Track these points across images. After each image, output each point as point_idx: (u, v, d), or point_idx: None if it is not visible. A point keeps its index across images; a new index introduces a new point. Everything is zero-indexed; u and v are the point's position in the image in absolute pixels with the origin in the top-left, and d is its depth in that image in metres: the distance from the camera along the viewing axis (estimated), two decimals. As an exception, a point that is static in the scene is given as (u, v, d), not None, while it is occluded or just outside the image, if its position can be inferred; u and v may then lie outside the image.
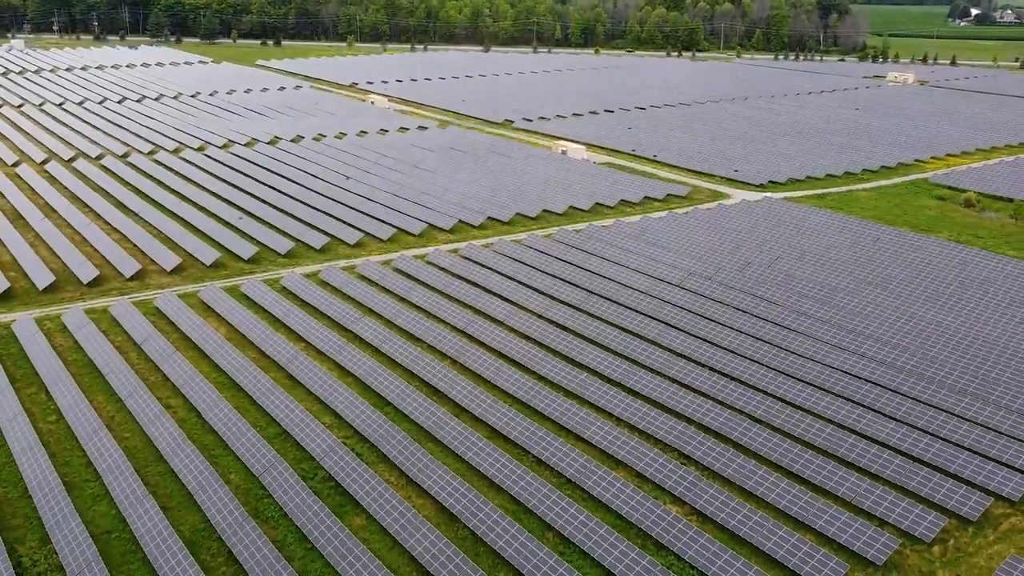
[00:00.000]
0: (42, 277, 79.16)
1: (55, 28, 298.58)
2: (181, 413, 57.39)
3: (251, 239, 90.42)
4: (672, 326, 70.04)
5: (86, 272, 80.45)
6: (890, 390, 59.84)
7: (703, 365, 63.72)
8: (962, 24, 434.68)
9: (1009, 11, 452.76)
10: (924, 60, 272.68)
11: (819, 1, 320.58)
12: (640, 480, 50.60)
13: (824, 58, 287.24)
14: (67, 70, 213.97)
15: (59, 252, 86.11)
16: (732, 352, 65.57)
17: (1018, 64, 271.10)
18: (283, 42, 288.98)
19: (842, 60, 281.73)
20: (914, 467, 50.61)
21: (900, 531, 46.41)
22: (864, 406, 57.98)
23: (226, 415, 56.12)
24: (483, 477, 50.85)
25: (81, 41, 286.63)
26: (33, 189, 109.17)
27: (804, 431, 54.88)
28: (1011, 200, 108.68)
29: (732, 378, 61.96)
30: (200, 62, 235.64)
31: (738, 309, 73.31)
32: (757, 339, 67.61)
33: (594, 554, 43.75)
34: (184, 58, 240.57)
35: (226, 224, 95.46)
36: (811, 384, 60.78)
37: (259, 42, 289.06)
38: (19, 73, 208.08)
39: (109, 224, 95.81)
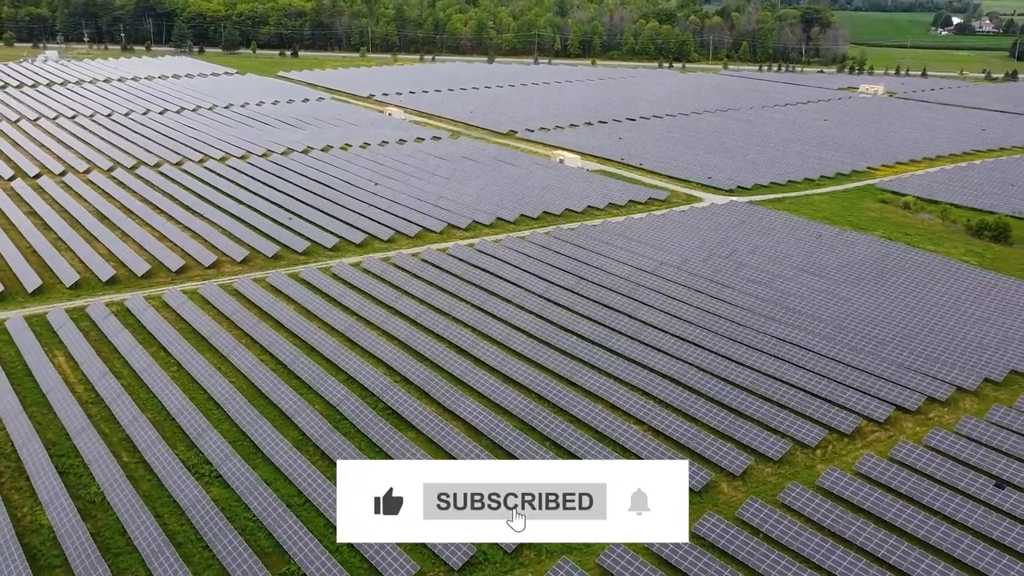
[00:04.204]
0: (138, 267, 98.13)
1: (85, 39, 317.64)
2: (271, 365, 76.41)
3: (302, 235, 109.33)
4: (644, 304, 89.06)
5: (173, 262, 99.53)
6: (805, 349, 78.94)
7: (666, 332, 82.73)
8: (943, 33, 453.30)
9: (987, 20, 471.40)
10: (897, 72, 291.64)
11: (802, 14, 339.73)
12: (612, 408, 69.69)
13: (804, 69, 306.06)
14: (105, 81, 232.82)
15: (146, 247, 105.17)
16: (689, 323, 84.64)
17: (984, 76, 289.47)
18: (299, 53, 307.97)
19: (821, 72, 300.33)
20: (810, 399, 69.84)
21: (795, 440, 65.55)
22: (783, 360, 77.06)
23: (306, 365, 75.25)
24: (498, 407, 69.83)
25: (109, 51, 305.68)
26: (108, 194, 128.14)
27: (735, 377, 74.06)
28: (938, 203, 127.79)
29: (688, 341, 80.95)
30: (226, 73, 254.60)
31: (698, 291, 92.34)
32: (710, 313, 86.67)
33: (579, 453, 62.95)
34: (211, 69, 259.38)
35: (278, 223, 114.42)
36: (746, 345, 79.83)
37: (277, 52, 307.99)
38: (61, 84, 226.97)
39: (180, 223, 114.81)
